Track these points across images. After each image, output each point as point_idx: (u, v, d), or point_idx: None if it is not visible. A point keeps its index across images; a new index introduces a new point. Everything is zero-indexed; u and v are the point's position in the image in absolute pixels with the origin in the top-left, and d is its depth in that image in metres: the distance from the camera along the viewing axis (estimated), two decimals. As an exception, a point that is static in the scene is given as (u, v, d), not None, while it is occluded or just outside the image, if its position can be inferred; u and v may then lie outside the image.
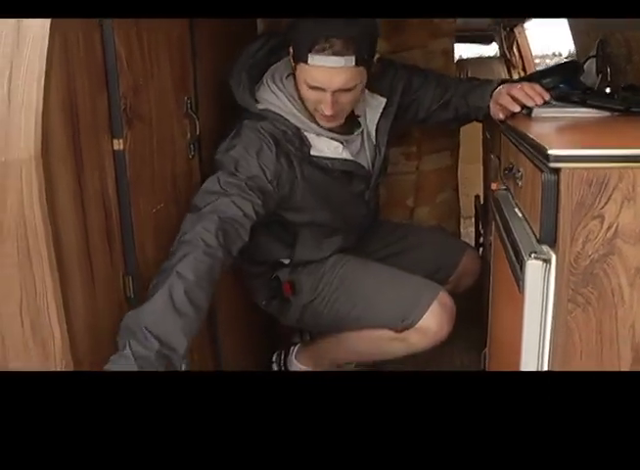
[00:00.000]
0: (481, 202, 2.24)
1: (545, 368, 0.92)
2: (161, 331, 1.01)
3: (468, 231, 2.70)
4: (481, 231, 2.19)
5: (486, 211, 1.98)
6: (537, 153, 0.95)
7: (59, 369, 0.96)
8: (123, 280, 1.13)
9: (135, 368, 0.95)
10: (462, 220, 2.49)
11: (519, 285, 0.96)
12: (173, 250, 1.17)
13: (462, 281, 1.84)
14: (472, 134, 2.28)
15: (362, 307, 1.55)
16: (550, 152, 0.88)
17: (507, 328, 1.24)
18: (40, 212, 0.92)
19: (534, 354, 0.93)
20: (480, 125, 2.14)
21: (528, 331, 0.93)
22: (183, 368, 1.06)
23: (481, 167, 2.28)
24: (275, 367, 1.85)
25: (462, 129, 2.26)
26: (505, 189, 1.37)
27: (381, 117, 1.59)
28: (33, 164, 0.91)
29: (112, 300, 1.09)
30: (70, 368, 0.96)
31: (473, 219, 2.41)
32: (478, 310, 1.99)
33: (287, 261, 1.61)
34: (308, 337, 1.90)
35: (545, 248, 0.92)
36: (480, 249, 2.09)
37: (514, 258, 1.02)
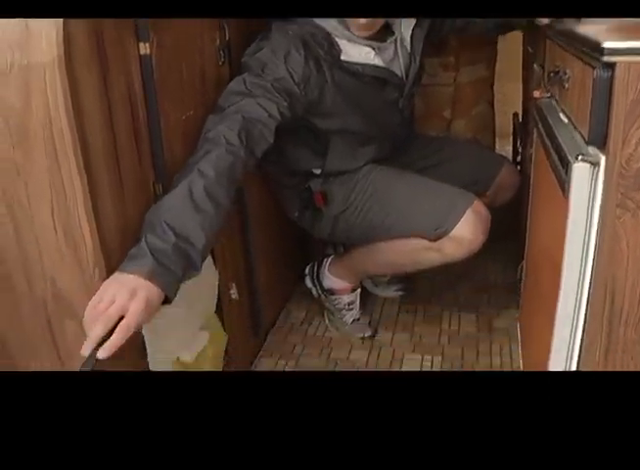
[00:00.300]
0: (520, 119, 2.15)
1: (588, 277, 0.88)
2: (179, 225, 0.98)
3: (505, 150, 2.62)
4: (519, 149, 2.11)
5: (525, 127, 1.90)
6: (589, 48, 0.87)
7: (91, 274, 0.95)
8: (153, 187, 1.10)
9: (150, 261, 0.92)
10: (499, 139, 2.42)
11: (564, 191, 0.90)
12: (197, 146, 1.13)
13: (499, 195, 1.78)
14: (511, 51, 2.17)
15: (395, 216, 1.51)
16: (605, 45, 0.80)
17: (546, 240, 1.19)
18: (66, 115, 0.89)
19: (577, 263, 0.88)
20: (519, 42, 2.03)
21: (572, 238, 0.87)
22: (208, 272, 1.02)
23: (521, 86, 2.17)
24: (308, 280, 1.84)
25: (501, 46, 2.16)
26: (549, 97, 1.29)
27: (416, 24, 1.52)
28: (56, 66, 0.87)
29: (142, 207, 1.06)
30: (103, 273, 0.95)
31: (510, 138, 2.33)
32: (514, 225, 1.95)
33: (318, 171, 1.56)
34: (342, 249, 1.87)
35: (593, 150, 0.86)
36: (518, 167, 2.01)
37: (558, 164, 0.95)
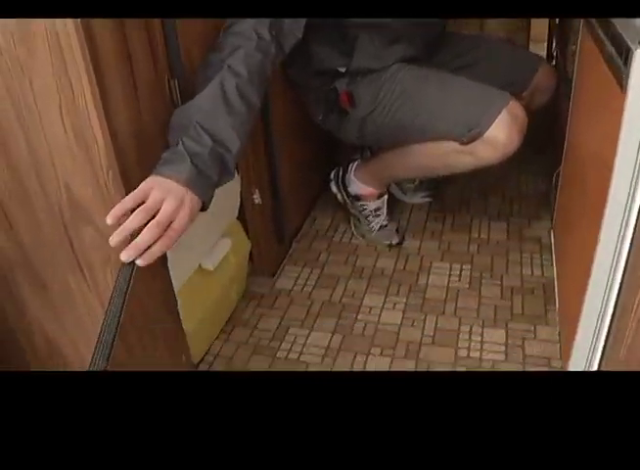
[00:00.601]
0: (557, 21, 1.99)
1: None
2: (213, 127, 0.91)
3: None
4: (555, 53, 1.96)
5: (563, 29, 1.75)
6: None
7: (105, 178, 0.89)
8: (168, 84, 1.01)
9: (188, 167, 0.86)
10: (533, 44, 2.26)
11: (621, 84, 0.80)
12: (221, 41, 1.04)
13: (536, 97, 1.65)
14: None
15: (426, 117, 1.40)
16: None
17: (592, 142, 1.09)
18: None
19: (631, 163, 0.79)
20: None
21: (628, 134, 0.78)
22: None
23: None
24: (333, 186, 1.77)
25: None
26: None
27: None
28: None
29: (156, 104, 0.98)
30: (117, 177, 0.89)
31: (545, 44, 2.18)
32: (547, 134, 1.84)
33: (343, 70, 1.45)
34: (368, 154, 1.78)
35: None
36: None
37: (615, 54, 0.85)
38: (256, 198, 1.43)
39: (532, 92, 1.64)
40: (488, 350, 1.33)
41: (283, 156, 1.52)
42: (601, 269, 0.89)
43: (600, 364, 0.97)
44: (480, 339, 1.37)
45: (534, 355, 1.30)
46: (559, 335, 1.32)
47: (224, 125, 0.92)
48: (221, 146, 0.91)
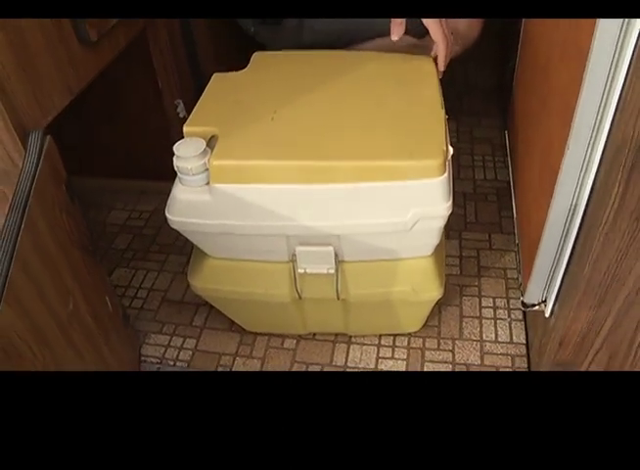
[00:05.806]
0: None
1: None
2: None
3: None
4: None
5: None
6: None
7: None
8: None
9: None
10: None
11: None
12: None
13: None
14: None
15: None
16: None
17: (556, 28, 0.93)
18: None
19: (610, 50, 0.63)
20: None
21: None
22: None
23: None
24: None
25: None
26: None
27: None
28: None
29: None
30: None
31: None
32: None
33: None
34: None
35: None
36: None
37: None
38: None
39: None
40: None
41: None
42: (568, 178, 0.75)
43: (562, 281, 0.85)
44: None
45: (490, 267, 1.19)
46: (517, 245, 1.20)
47: None
48: None
